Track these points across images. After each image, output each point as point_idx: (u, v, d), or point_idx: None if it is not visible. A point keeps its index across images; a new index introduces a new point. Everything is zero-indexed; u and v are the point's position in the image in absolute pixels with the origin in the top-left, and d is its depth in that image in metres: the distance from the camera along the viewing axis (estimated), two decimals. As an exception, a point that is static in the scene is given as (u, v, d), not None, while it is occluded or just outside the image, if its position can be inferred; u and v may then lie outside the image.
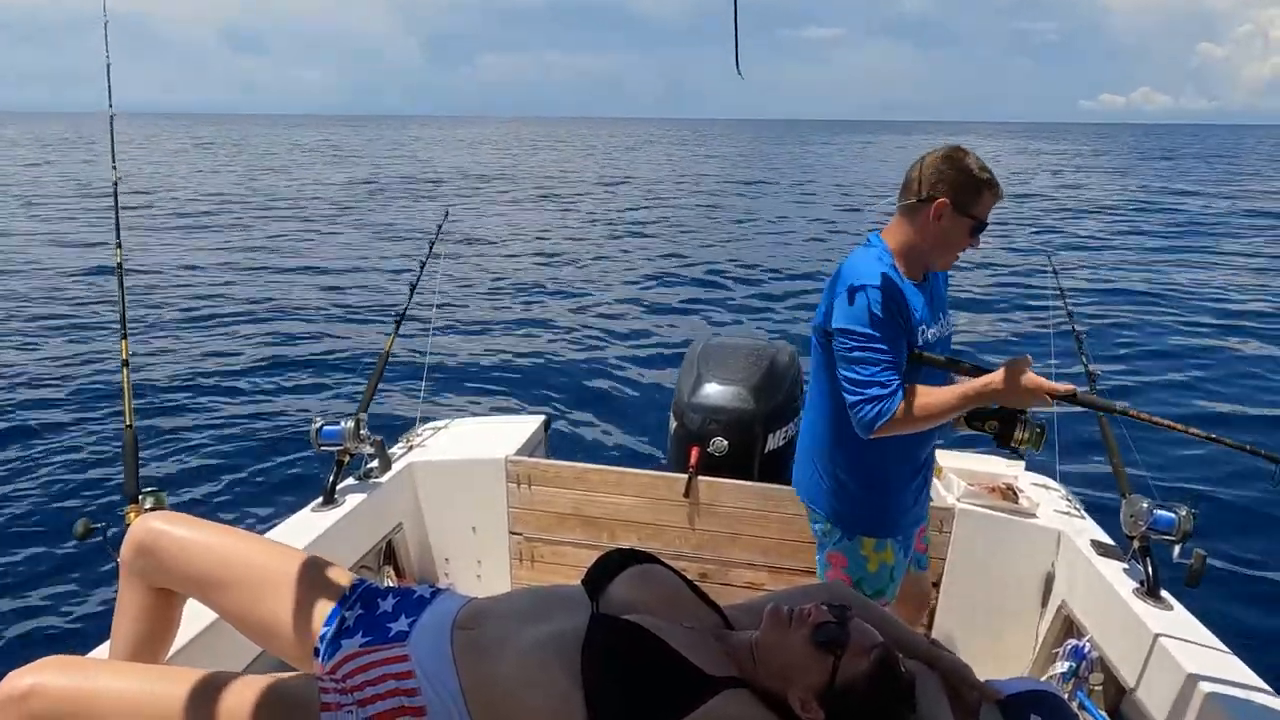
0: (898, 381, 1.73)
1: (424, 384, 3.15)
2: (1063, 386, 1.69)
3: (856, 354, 1.74)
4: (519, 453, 2.73)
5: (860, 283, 1.75)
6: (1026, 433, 1.77)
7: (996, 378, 1.70)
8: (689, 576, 1.38)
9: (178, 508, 1.65)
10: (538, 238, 15.71)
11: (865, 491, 1.90)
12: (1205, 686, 1.69)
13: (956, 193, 1.76)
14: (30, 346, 7.81)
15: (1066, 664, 2.10)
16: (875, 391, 1.72)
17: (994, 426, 1.79)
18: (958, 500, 2.49)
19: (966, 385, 1.75)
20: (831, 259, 13.41)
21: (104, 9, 2.37)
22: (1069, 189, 25.96)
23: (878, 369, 1.73)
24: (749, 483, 2.54)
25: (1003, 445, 1.81)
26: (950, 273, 2.02)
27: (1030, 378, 1.67)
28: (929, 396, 1.74)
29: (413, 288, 2.85)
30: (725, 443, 2.59)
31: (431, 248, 2.98)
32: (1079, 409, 1.75)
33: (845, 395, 1.77)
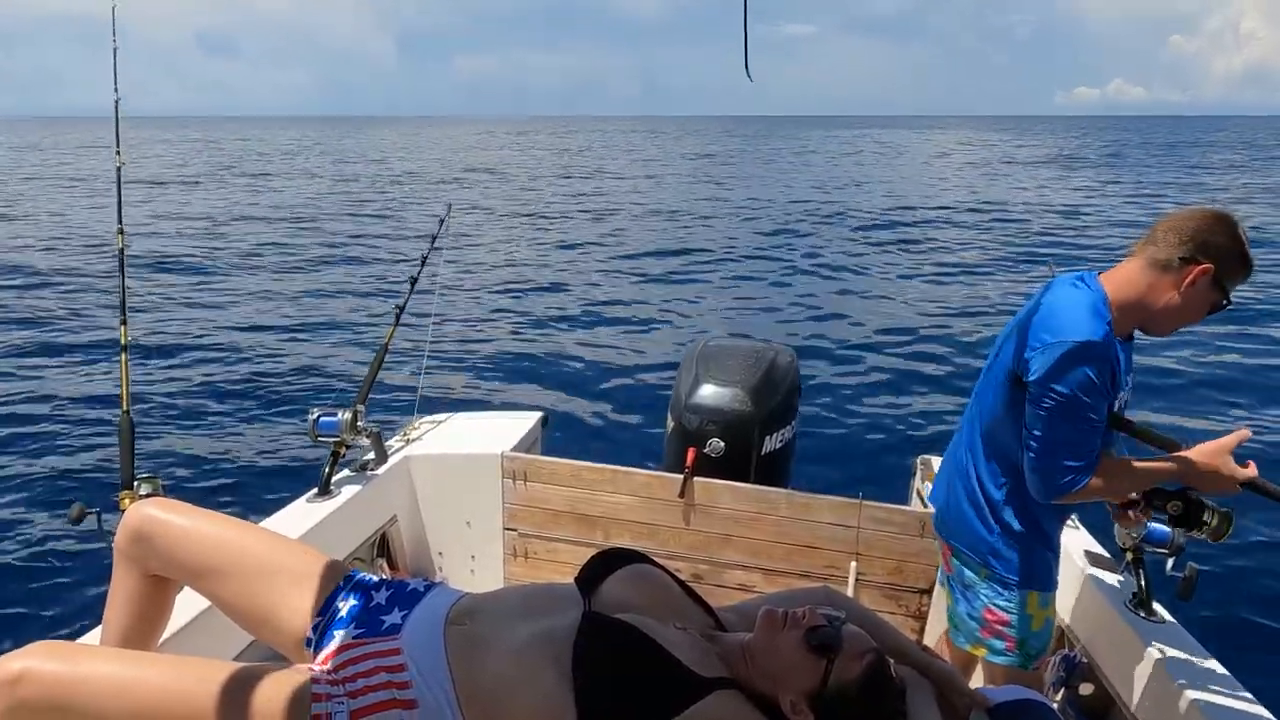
0: (1094, 453, 1.59)
1: (422, 378, 3.15)
2: (1247, 470, 1.55)
3: (1053, 417, 1.56)
4: (515, 448, 2.73)
5: (1078, 339, 1.55)
6: (1214, 519, 1.63)
7: (1195, 456, 1.56)
8: (682, 577, 1.38)
9: (173, 495, 1.65)
10: (538, 236, 15.73)
11: (1032, 544, 1.76)
12: (1194, 699, 1.69)
13: (1222, 263, 1.57)
14: (28, 332, 7.80)
15: (1056, 673, 2.10)
16: (1070, 461, 1.57)
17: (1176, 507, 1.64)
18: None
19: (1161, 462, 1.61)
20: (818, 258, 13.47)
21: None
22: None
23: (1080, 437, 1.57)
24: (745, 485, 2.54)
25: (1178, 527, 1.67)
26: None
27: (1228, 463, 1.54)
28: (1121, 472, 1.61)
29: (413, 281, 2.85)
30: (722, 444, 2.59)
31: (434, 242, 2.98)
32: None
33: (1030, 456, 1.61)
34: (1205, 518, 1.64)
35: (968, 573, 1.85)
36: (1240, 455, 1.61)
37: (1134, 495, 1.74)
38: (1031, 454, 1.61)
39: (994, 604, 1.80)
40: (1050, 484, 1.60)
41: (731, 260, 13.28)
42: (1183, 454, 1.60)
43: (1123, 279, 1.65)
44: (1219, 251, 1.57)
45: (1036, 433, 1.60)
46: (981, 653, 1.86)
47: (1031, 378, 1.59)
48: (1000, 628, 1.80)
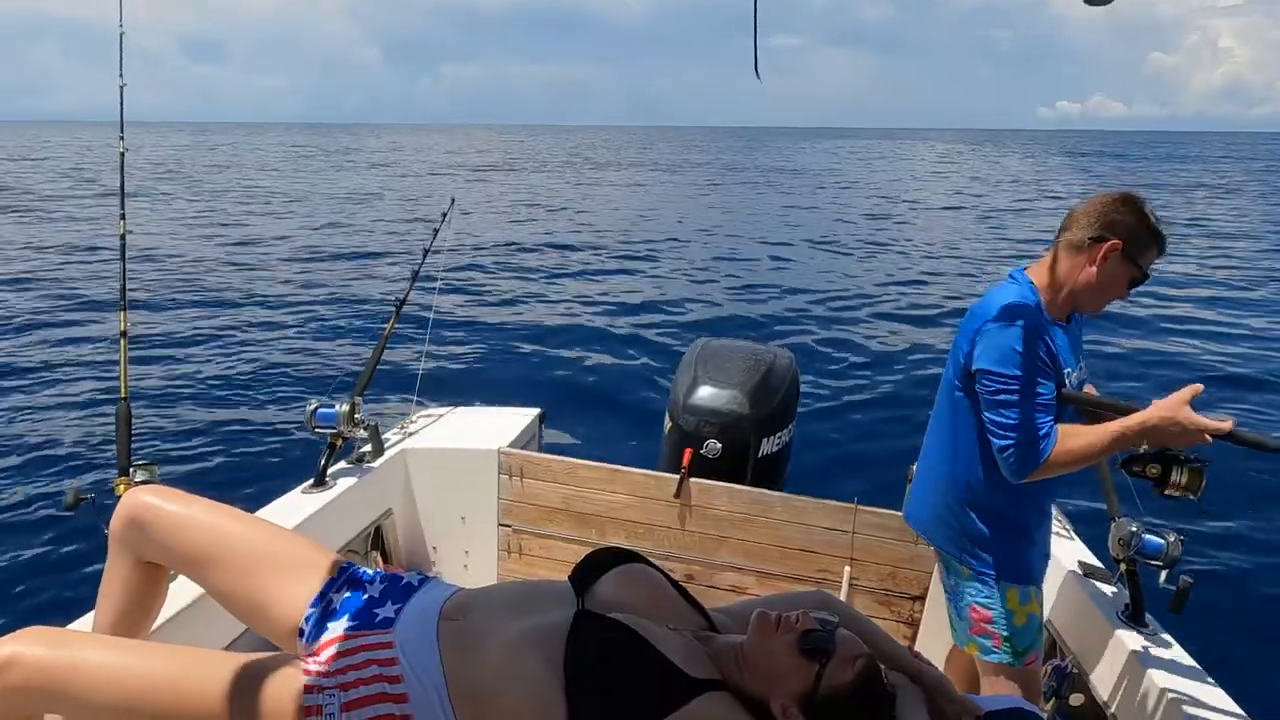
0: (1050, 423, 1.65)
1: (421, 371, 3.15)
2: (1219, 422, 1.53)
3: (1003, 396, 1.65)
4: (512, 445, 2.73)
5: (1004, 321, 1.67)
6: (1183, 475, 1.60)
7: (1152, 413, 1.57)
8: (675, 577, 1.38)
9: (169, 482, 1.64)
10: (539, 232, 15.74)
11: (1005, 539, 1.81)
12: (1182, 710, 1.70)
13: (1130, 238, 1.68)
14: (28, 318, 7.79)
15: (1048, 683, 2.10)
16: (1026, 436, 1.63)
17: (1155, 470, 1.63)
18: None
19: (1119, 423, 1.62)
20: (801, 260, 13.52)
21: None
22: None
23: (1029, 411, 1.63)
24: (740, 486, 2.54)
25: (1160, 491, 1.65)
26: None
27: (1187, 414, 1.53)
28: (1080, 438, 1.64)
29: (415, 274, 2.85)
30: (719, 445, 2.59)
31: (435, 236, 2.98)
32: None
33: (993, 440, 1.68)
34: (1175, 476, 1.61)
35: (950, 575, 1.92)
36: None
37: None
38: (994, 438, 1.69)
39: (976, 601, 1.85)
40: (1015, 463, 1.66)
41: (731, 259, 13.29)
42: (1139, 413, 1.61)
43: (1044, 266, 1.79)
44: (1125, 228, 1.70)
45: (992, 416, 1.69)
46: (974, 651, 1.89)
47: (976, 365, 1.71)
48: (985, 625, 1.85)
